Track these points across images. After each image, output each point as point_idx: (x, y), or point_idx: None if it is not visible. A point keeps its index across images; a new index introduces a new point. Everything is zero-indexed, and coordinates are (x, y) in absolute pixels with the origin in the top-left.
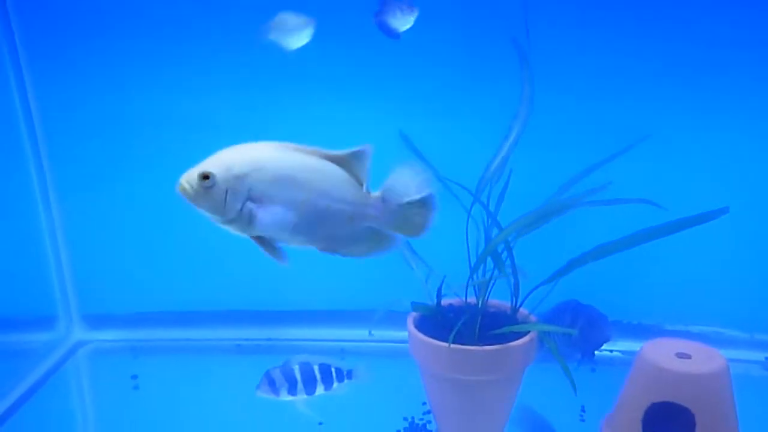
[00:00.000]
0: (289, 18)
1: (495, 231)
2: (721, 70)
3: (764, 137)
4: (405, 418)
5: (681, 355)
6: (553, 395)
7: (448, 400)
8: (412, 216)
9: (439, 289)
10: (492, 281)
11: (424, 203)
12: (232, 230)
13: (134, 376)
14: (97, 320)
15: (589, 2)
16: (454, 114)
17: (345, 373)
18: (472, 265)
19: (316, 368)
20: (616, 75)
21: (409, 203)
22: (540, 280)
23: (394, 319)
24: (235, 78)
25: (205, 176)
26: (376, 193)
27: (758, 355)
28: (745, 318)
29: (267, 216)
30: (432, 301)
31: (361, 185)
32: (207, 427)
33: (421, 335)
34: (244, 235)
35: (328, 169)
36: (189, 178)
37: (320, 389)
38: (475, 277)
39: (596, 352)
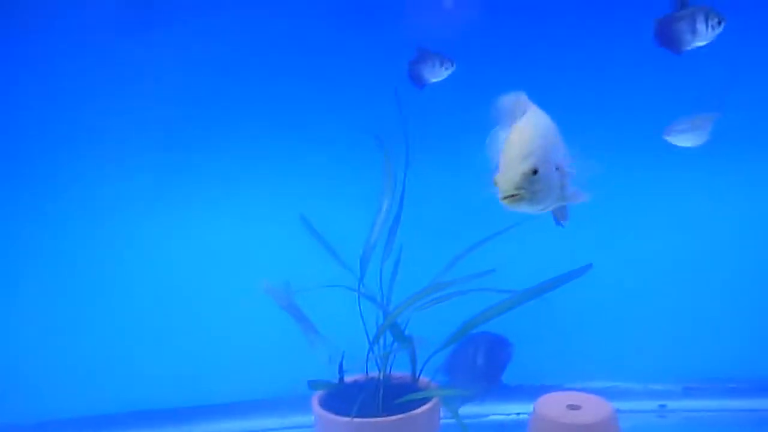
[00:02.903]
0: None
1: (391, 306)
2: None
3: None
4: None
5: (571, 407)
6: None
7: None
8: None
9: (341, 365)
10: (391, 354)
11: None
12: (557, 204)
13: None
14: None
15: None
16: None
17: None
18: (371, 340)
19: None
20: None
21: None
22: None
23: (305, 402)
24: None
25: (534, 171)
26: None
27: (652, 404)
28: (639, 370)
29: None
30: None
31: None
32: None
33: (324, 412)
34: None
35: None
36: (514, 184)
37: None
38: (375, 350)
39: (508, 415)
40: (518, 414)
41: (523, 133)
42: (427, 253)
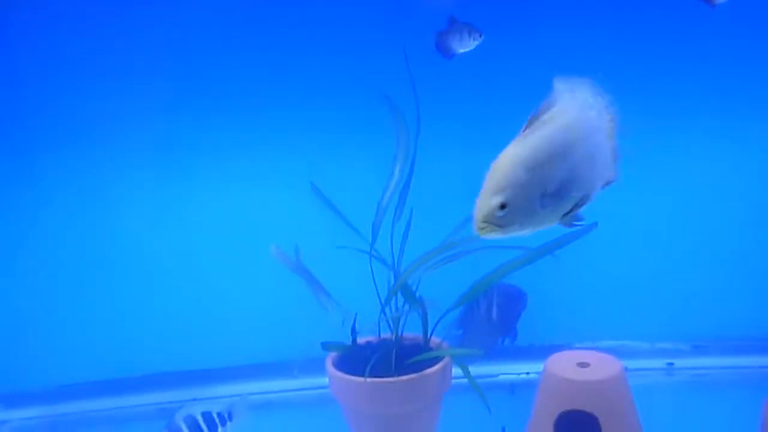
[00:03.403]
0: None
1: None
2: None
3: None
4: None
5: (581, 365)
6: (474, 421)
7: None
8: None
9: (353, 327)
10: (403, 315)
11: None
12: (544, 226)
13: None
14: (13, 399)
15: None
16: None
17: (226, 415)
18: (383, 301)
19: (200, 418)
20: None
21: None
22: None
23: (319, 365)
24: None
25: (502, 206)
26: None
27: (660, 363)
28: (646, 328)
29: (561, 196)
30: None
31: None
32: None
33: (338, 373)
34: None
35: (567, 122)
36: (486, 218)
37: None
38: (387, 312)
39: (520, 375)
40: (527, 373)
41: (500, 163)
42: (438, 217)
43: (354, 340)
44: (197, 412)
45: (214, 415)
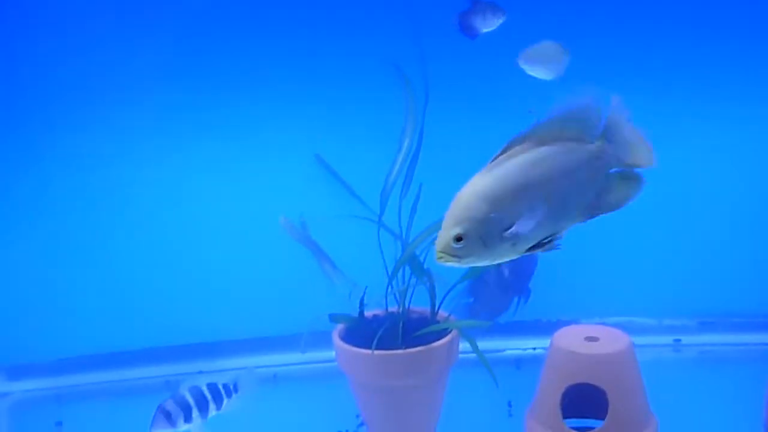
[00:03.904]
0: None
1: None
2: None
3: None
4: (339, 431)
5: (589, 339)
6: (480, 395)
7: (378, 408)
8: (635, 149)
9: (361, 300)
10: (410, 288)
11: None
12: (506, 259)
13: (59, 423)
14: (16, 370)
15: None
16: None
17: (232, 386)
18: (389, 274)
19: (205, 389)
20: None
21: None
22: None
23: (326, 339)
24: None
25: (458, 238)
26: (597, 142)
27: (668, 339)
28: (654, 305)
29: (527, 231)
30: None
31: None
32: None
33: (346, 345)
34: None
35: (546, 153)
36: (443, 248)
37: (213, 410)
38: (393, 285)
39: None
40: (534, 349)
41: (462, 194)
42: (447, 189)
43: (361, 313)
44: (202, 383)
45: (220, 387)
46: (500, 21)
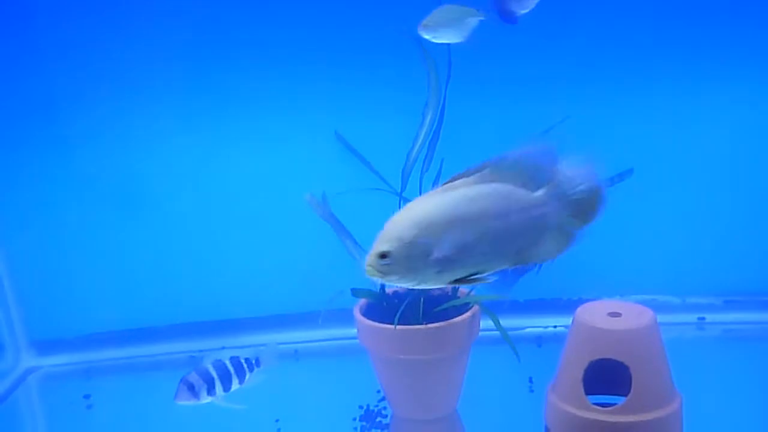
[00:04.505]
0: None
1: None
2: None
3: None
4: (360, 406)
5: (612, 314)
6: (501, 371)
7: (399, 383)
8: (583, 205)
9: None
10: None
11: (592, 192)
12: (430, 286)
13: (87, 396)
14: (46, 345)
15: None
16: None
17: (254, 361)
18: None
19: (228, 363)
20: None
21: (578, 193)
22: None
23: (346, 316)
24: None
25: (382, 255)
26: (541, 192)
27: (691, 317)
28: (678, 284)
29: (453, 262)
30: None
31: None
32: None
33: (367, 321)
34: (442, 285)
35: (487, 191)
36: (370, 261)
37: (235, 383)
38: None
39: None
40: (555, 327)
41: (401, 213)
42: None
43: (383, 288)
44: (225, 357)
45: (242, 361)
46: (536, 1)
